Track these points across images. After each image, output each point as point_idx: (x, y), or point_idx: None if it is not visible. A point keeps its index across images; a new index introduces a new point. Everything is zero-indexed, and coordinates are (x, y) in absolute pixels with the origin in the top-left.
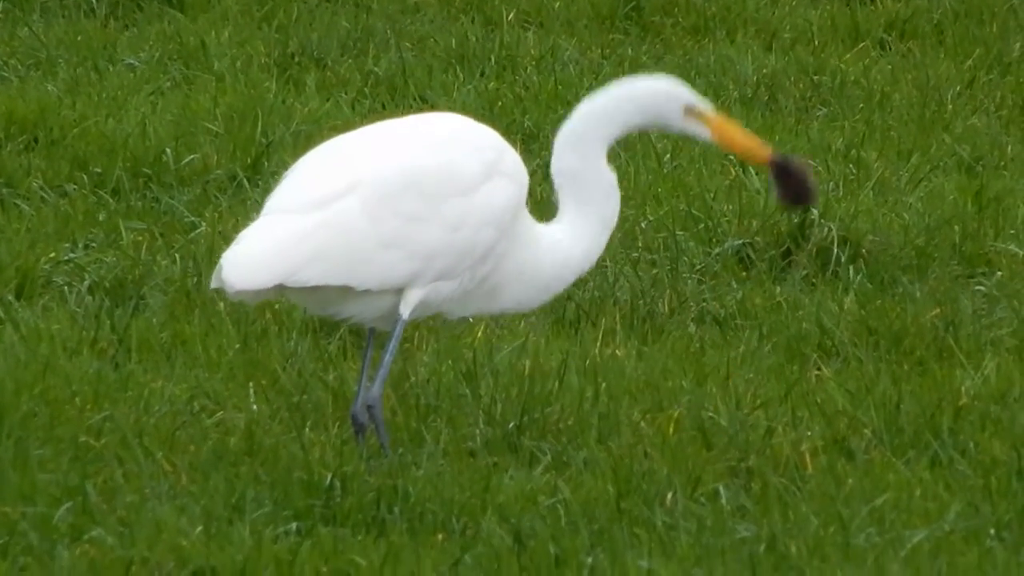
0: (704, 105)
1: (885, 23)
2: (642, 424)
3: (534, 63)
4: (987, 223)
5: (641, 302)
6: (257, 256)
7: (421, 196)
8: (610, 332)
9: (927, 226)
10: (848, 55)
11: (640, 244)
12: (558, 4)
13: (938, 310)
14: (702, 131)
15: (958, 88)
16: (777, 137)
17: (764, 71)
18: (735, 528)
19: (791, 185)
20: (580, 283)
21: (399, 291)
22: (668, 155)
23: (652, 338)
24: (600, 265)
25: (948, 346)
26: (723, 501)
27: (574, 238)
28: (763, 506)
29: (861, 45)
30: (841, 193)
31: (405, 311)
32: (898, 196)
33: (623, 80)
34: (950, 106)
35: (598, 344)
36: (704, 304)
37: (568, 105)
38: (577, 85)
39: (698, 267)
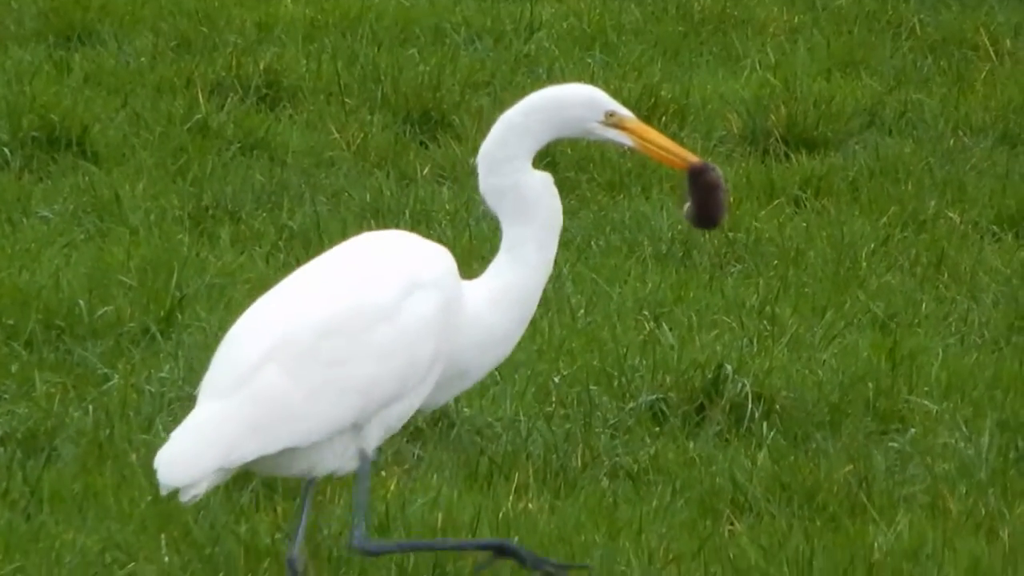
0: (624, 111)
1: (800, 180)
2: None
3: (448, 217)
4: (901, 380)
5: (554, 456)
6: (189, 449)
7: (339, 339)
8: (523, 486)
9: (841, 383)
10: (763, 212)
11: (554, 398)
12: (472, 159)
13: (851, 466)
14: (623, 138)
15: (873, 245)
16: (692, 294)
17: (679, 227)
18: None
19: (704, 199)
20: (492, 437)
21: (354, 430)
22: (582, 310)
23: (565, 492)
24: (513, 420)
25: (861, 502)
26: None
27: (498, 286)
28: None
29: (776, 202)
30: (755, 349)
31: (370, 448)
32: (812, 352)
33: (542, 90)
34: (864, 263)
35: (511, 498)
36: (617, 459)
37: (482, 260)
38: (491, 239)
39: (611, 422)
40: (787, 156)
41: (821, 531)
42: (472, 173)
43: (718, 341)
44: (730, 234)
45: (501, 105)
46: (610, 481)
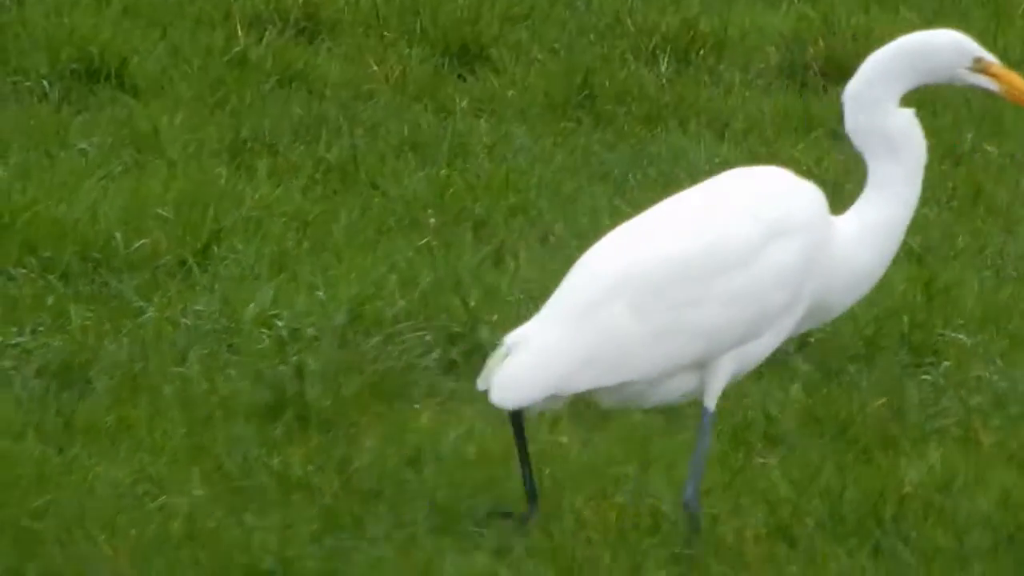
0: (990, 57)
1: (838, 114)
2: (585, 511)
3: (486, 151)
4: (936, 313)
5: None
6: (525, 373)
7: (689, 282)
8: (556, 420)
9: (876, 316)
10: (801, 145)
11: None
12: (511, 93)
13: (884, 399)
14: (990, 84)
15: None
16: None
17: (716, 160)
18: None
19: None
20: None
21: (696, 367)
22: None
23: (598, 425)
24: None
25: (893, 435)
26: None
27: (868, 223)
28: None
29: (814, 135)
30: None
31: (711, 401)
32: None
33: (911, 34)
34: None
35: (544, 431)
36: None
37: (519, 193)
38: (528, 173)
39: None
40: (825, 89)
41: (853, 464)
42: (518, 107)
43: None
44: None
45: (540, 38)
46: (642, 414)
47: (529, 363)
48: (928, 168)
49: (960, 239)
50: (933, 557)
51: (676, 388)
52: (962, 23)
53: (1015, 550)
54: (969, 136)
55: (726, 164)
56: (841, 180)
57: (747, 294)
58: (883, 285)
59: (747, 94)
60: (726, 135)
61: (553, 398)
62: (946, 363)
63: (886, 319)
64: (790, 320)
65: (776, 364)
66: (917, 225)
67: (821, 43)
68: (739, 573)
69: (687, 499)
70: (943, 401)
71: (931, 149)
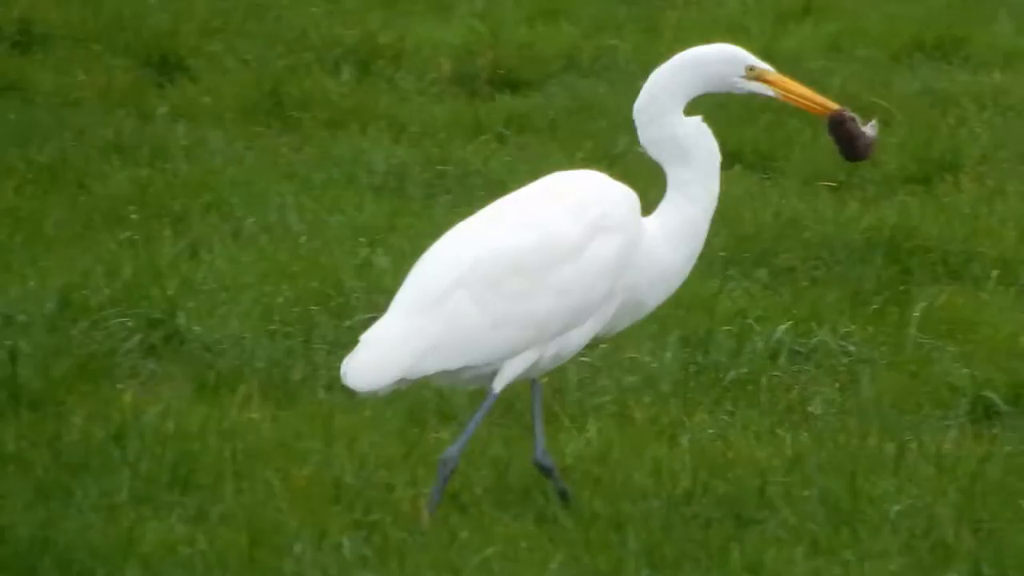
0: (763, 65)
1: (504, 118)
2: (275, 482)
3: (184, 153)
4: None
5: (276, 370)
6: (377, 359)
7: (522, 275)
8: (247, 398)
9: None
10: (470, 147)
11: (277, 318)
12: (207, 99)
13: (546, 379)
14: (766, 89)
15: None
16: (404, 222)
17: (393, 161)
18: None
19: (847, 142)
20: (220, 353)
21: (527, 353)
22: (304, 237)
23: (286, 403)
24: (239, 337)
25: (555, 412)
26: (346, 552)
27: (670, 225)
28: (383, 556)
29: (482, 138)
30: None
31: (538, 371)
32: None
33: (688, 50)
34: None
35: (236, 409)
36: (334, 372)
37: (213, 191)
38: (222, 173)
39: (330, 339)
40: (492, 96)
41: (518, 438)
42: (213, 113)
43: None
44: (440, 167)
45: (233, 50)
46: (327, 393)
47: (380, 350)
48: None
49: None
50: (592, 523)
51: (511, 371)
52: (617, 35)
53: (665, 516)
54: (622, 139)
55: (402, 164)
56: (506, 178)
57: (573, 286)
58: None
59: (422, 100)
60: (402, 138)
61: (402, 381)
62: (603, 345)
63: None
64: (608, 310)
65: None
66: None
67: (490, 54)
68: (415, 537)
69: (537, 457)
70: (599, 380)
71: (589, 151)
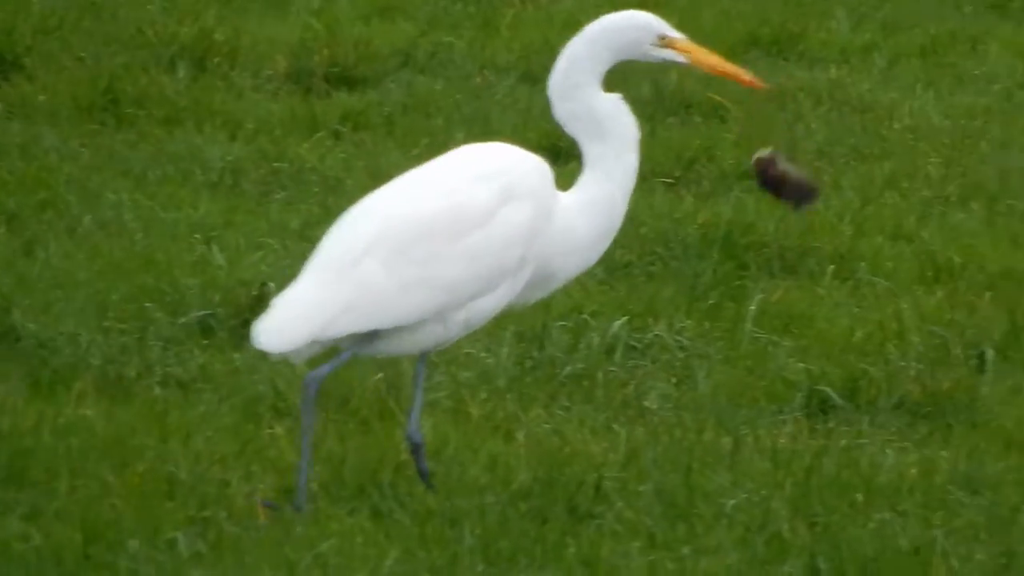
0: (675, 33)
1: (340, 115)
2: (110, 478)
3: (19, 150)
4: None
5: (111, 367)
6: (288, 320)
7: (432, 240)
8: (82, 394)
9: None
10: (306, 144)
11: (111, 315)
12: (42, 98)
13: (381, 374)
14: (678, 56)
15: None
16: (240, 219)
17: (229, 158)
18: (191, 573)
19: (786, 191)
20: (55, 349)
21: (439, 319)
22: (140, 234)
23: (121, 400)
24: (73, 334)
25: (390, 408)
26: (181, 548)
27: (585, 199)
28: (218, 552)
29: (318, 135)
30: (297, 269)
31: (450, 339)
32: None
33: (600, 18)
34: None
35: (71, 405)
36: (169, 369)
37: (49, 189)
38: (57, 171)
39: (164, 335)
40: (328, 93)
41: (353, 433)
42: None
43: (263, 262)
44: (275, 164)
45: (69, 48)
46: (162, 389)
47: (292, 311)
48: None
49: None
50: (427, 518)
51: (425, 337)
52: (453, 32)
53: (501, 511)
54: (460, 136)
55: (237, 161)
56: (343, 175)
57: (484, 251)
58: None
59: (258, 98)
60: (238, 135)
61: (313, 343)
62: None
63: None
64: (521, 277)
65: None
66: None
67: (325, 51)
68: (250, 533)
69: (410, 432)
70: (435, 376)
71: (426, 148)
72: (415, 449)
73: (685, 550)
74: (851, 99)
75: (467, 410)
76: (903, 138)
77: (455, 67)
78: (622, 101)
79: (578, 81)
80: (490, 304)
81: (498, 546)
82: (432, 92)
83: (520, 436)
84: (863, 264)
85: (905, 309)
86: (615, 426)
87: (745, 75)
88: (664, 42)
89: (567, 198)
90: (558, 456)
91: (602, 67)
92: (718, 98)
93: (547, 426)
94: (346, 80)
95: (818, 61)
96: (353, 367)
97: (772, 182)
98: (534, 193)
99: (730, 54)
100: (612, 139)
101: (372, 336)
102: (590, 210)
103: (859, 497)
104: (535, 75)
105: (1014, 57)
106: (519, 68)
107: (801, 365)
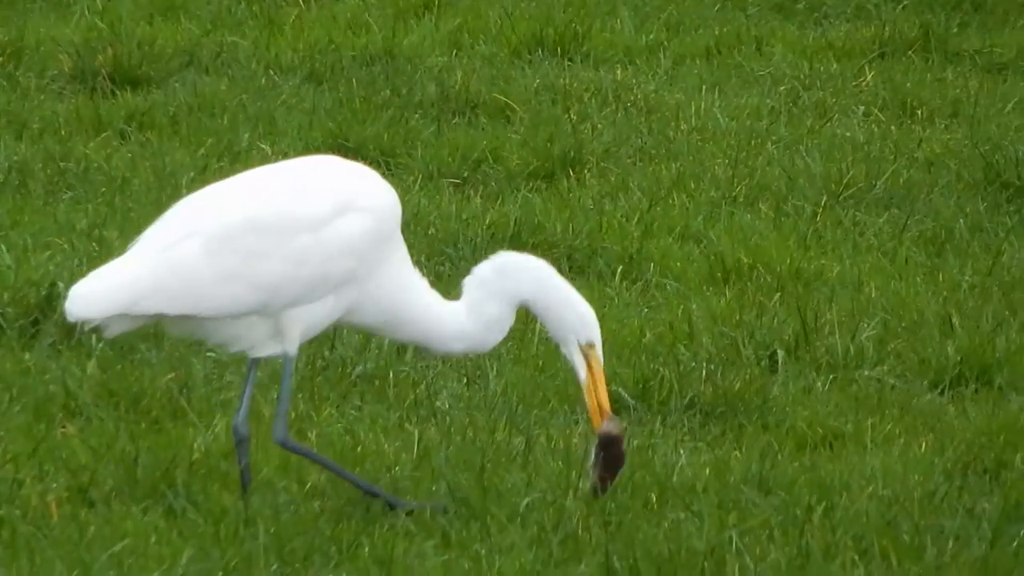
0: (599, 350)
1: (126, 115)
2: None
3: None
4: None
5: None
6: (99, 289)
7: (260, 236)
8: None
9: None
10: (92, 144)
11: None
12: None
13: (173, 374)
14: (582, 370)
15: (192, 174)
16: (27, 218)
17: (15, 158)
18: None
19: (607, 459)
20: None
21: (265, 319)
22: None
23: None
24: None
25: (182, 407)
26: None
27: (470, 320)
28: (12, 552)
29: (104, 135)
30: (85, 268)
31: (290, 346)
32: None
33: (565, 287)
34: (185, 190)
35: None
36: None
37: None
38: None
39: None
40: (114, 93)
41: (146, 433)
42: None
43: (51, 261)
44: (62, 164)
45: None
46: None
47: (104, 282)
48: (208, 165)
49: None
50: (221, 517)
51: (245, 333)
52: (238, 31)
53: (295, 510)
54: (245, 135)
55: (23, 162)
56: (129, 175)
57: (311, 257)
58: None
59: (42, 98)
60: (24, 135)
61: (123, 318)
62: None
63: None
64: (352, 293)
65: (72, 343)
66: None
67: (109, 51)
68: (44, 532)
69: (277, 438)
70: (227, 376)
71: (211, 147)
72: (238, 441)
73: (480, 549)
74: (637, 100)
75: (259, 410)
76: (690, 139)
77: (240, 67)
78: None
79: (502, 298)
80: (323, 312)
81: (292, 545)
82: (217, 92)
83: (312, 436)
84: (652, 265)
85: (695, 310)
86: (407, 425)
87: (606, 422)
88: (585, 349)
89: (444, 304)
90: (351, 456)
91: (517, 306)
92: (504, 99)
93: (339, 425)
94: (131, 80)
95: (603, 62)
96: (144, 367)
97: (611, 457)
98: (376, 211)
99: (515, 54)
100: (483, 329)
101: (190, 320)
102: (423, 324)
103: (653, 497)
104: (320, 75)
105: (799, 58)
106: (304, 68)
107: None
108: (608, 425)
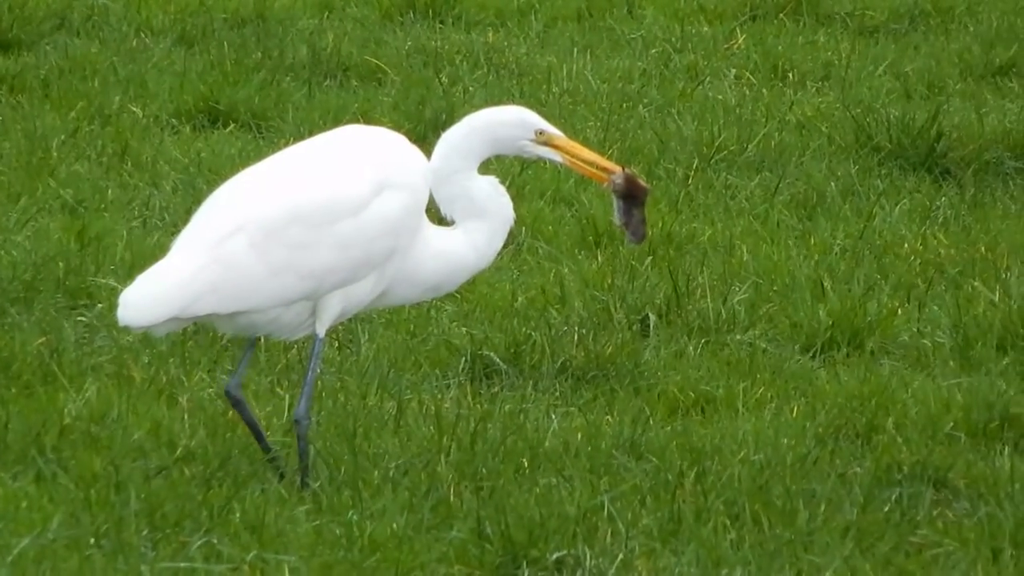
0: (553, 130)
1: None
2: None
3: None
4: (89, 260)
5: None
6: (151, 295)
7: (306, 226)
8: None
9: (34, 262)
10: None
11: None
12: None
13: (44, 339)
14: (553, 155)
15: (63, 137)
16: None
17: None
18: None
19: (629, 201)
20: None
21: (306, 305)
22: None
23: None
24: None
25: (53, 371)
26: None
27: (468, 244)
28: None
29: None
30: None
31: (323, 327)
32: (7, 235)
33: (479, 112)
34: (56, 153)
35: None
36: None
37: None
38: None
39: None
40: None
41: (15, 398)
42: None
43: None
44: None
45: None
46: None
47: (155, 288)
48: (79, 128)
49: (110, 192)
50: (92, 482)
51: (290, 321)
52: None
53: (166, 475)
54: (116, 98)
55: None
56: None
57: (354, 241)
58: (40, 234)
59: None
60: None
61: (175, 320)
62: (100, 305)
63: (43, 265)
64: (391, 268)
65: None
66: (70, 179)
67: None
68: None
69: (298, 416)
70: (97, 340)
71: (82, 110)
72: (234, 403)
73: (352, 515)
74: (508, 63)
75: (130, 374)
76: (561, 102)
77: (111, 29)
78: (498, 184)
79: (455, 167)
80: (363, 292)
81: (163, 510)
82: (88, 55)
83: (183, 400)
84: (523, 228)
85: (567, 274)
86: (279, 390)
87: (615, 168)
88: (542, 138)
89: (434, 231)
90: (221, 421)
91: (479, 158)
92: (375, 61)
93: (210, 391)
94: (2, 43)
95: (475, 24)
96: (15, 331)
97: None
98: (408, 185)
99: (387, 17)
100: (489, 218)
101: (238, 315)
102: (444, 259)
103: (524, 462)
104: (191, 37)
105: (670, 20)
106: (175, 30)
107: (464, 330)
108: (613, 177)
